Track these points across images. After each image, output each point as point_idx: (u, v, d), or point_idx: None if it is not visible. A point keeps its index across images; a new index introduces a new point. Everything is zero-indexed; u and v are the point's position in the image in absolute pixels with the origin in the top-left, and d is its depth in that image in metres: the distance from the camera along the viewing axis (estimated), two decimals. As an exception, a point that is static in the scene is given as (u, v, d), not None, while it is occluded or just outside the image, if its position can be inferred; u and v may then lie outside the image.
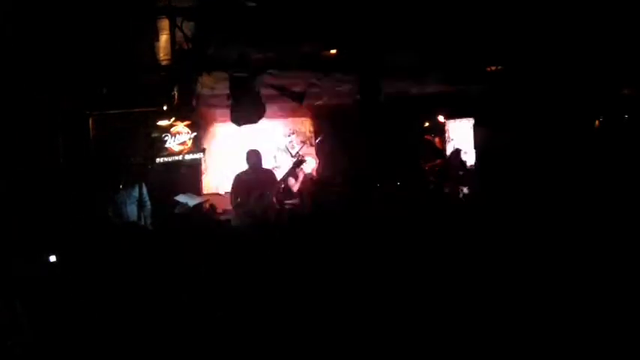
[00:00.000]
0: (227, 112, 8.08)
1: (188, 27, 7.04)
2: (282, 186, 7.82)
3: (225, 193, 8.50)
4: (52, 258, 5.53)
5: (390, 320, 4.60)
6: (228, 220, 7.26)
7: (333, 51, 7.78)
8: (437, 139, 10.29)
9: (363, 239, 6.06)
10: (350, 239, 6.02)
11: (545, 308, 4.72)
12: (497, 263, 5.77)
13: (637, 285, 4.93)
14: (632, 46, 7.97)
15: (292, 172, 7.66)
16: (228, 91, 8.02)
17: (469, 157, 11.55)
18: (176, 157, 7.82)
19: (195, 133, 7.91)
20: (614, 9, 6.91)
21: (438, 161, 10.03)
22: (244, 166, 7.76)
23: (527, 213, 7.41)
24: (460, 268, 5.69)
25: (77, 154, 7.28)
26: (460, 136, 11.85)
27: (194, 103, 7.91)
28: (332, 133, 10.27)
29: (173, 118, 7.66)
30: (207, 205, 7.64)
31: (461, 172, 9.60)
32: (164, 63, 7.62)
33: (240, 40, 7.18)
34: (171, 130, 7.72)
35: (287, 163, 9.16)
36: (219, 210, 7.81)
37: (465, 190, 9.31)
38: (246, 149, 7.88)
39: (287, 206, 7.80)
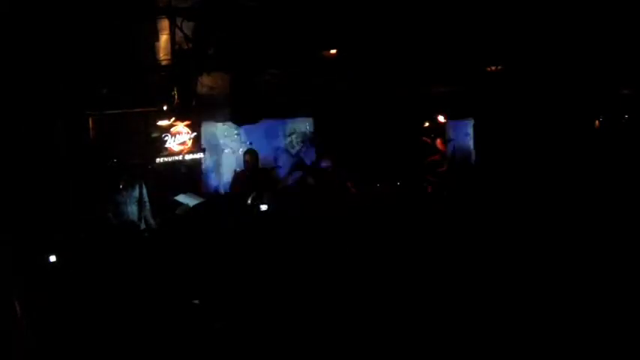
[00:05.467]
0: (227, 111, 8.09)
1: (188, 27, 7.06)
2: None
3: (225, 193, 8.50)
4: (52, 258, 5.53)
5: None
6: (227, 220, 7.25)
7: (333, 51, 7.79)
8: (438, 140, 10.30)
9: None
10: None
11: (542, 306, 4.73)
12: (496, 260, 5.79)
13: (636, 284, 4.94)
14: (631, 46, 7.98)
15: (292, 172, 7.66)
16: (228, 91, 8.03)
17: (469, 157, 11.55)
18: (176, 157, 7.81)
19: (195, 133, 7.90)
20: (613, 9, 6.92)
21: (437, 157, 10.04)
22: (243, 166, 7.78)
23: (527, 211, 7.43)
24: (459, 264, 5.72)
25: (77, 154, 7.28)
26: (460, 136, 11.85)
27: (194, 103, 7.91)
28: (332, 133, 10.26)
29: (173, 118, 7.65)
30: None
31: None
32: (164, 63, 7.63)
33: (240, 40, 7.20)
34: (171, 130, 7.71)
35: (287, 163, 9.16)
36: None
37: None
38: (246, 149, 7.89)
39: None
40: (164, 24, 7.50)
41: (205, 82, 8.03)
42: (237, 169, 8.14)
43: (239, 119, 8.59)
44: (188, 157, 7.90)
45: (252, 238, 6.39)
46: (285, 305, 4.97)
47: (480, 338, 4.31)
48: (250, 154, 7.71)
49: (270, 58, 7.75)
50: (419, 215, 7.52)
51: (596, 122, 11.15)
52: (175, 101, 7.56)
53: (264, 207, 7.12)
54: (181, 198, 7.32)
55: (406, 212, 7.67)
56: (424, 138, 9.84)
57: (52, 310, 4.60)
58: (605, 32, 7.68)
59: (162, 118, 7.63)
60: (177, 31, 7.29)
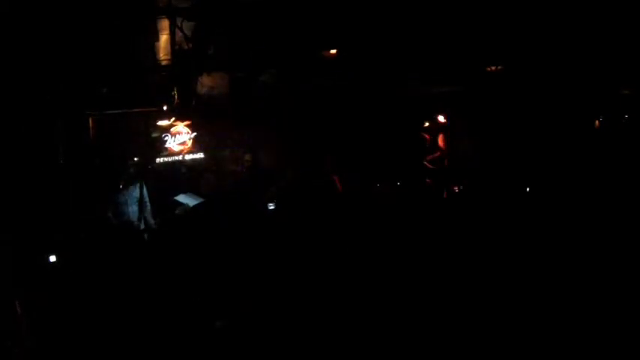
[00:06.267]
0: (227, 112, 8.08)
1: (188, 27, 7.06)
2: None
3: (225, 193, 8.49)
4: (52, 258, 5.53)
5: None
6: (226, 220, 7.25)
7: (333, 51, 7.80)
8: (440, 136, 10.31)
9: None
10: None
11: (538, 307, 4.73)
12: (496, 260, 5.79)
13: (636, 284, 4.93)
14: (631, 46, 7.97)
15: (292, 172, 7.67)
16: (228, 91, 8.03)
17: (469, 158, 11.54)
18: (176, 157, 7.82)
19: (195, 133, 7.91)
20: (613, 9, 6.91)
21: (438, 153, 10.06)
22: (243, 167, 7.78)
23: (527, 211, 7.43)
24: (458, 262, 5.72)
25: (77, 154, 7.28)
26: (460, 135, 11.84)
27: (194, 103, 7.92)
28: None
29: (173, 118, 7.66)
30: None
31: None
32: (164, 63, 7.63)
33: (240, 40, 7.20)
34: (171, 130, 7.72)
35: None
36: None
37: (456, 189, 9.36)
38: (245, 149, 7.89)
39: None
40: (164, 24, 7.50)
41: (205, 82, 8.03)
42: (238, 170, 8.14)
43: (239, 119, 8.59)
44: (188, 157, 7.91)
45: (256, 237, 6.38)
46: (287, 304, 4.96)
47: (480, 338, 4.31)
48: (250, 154, 7.71)
49: (269, 58, 7.76)
50: (419, 215, 7.52)
51: (596, 122, 11.15)
52: (175, 101, 7.56)
53: (271, 206, 7.14)
54: (181, 198, 7.32)
55: (406, 212, 7.67)
56: (423, 134, 9.86)
57: (52, 310, 4.60)
58: (605, 32, 7.68)
59: (162, 118, 7.64)
60: (177, 31, 7.29)
